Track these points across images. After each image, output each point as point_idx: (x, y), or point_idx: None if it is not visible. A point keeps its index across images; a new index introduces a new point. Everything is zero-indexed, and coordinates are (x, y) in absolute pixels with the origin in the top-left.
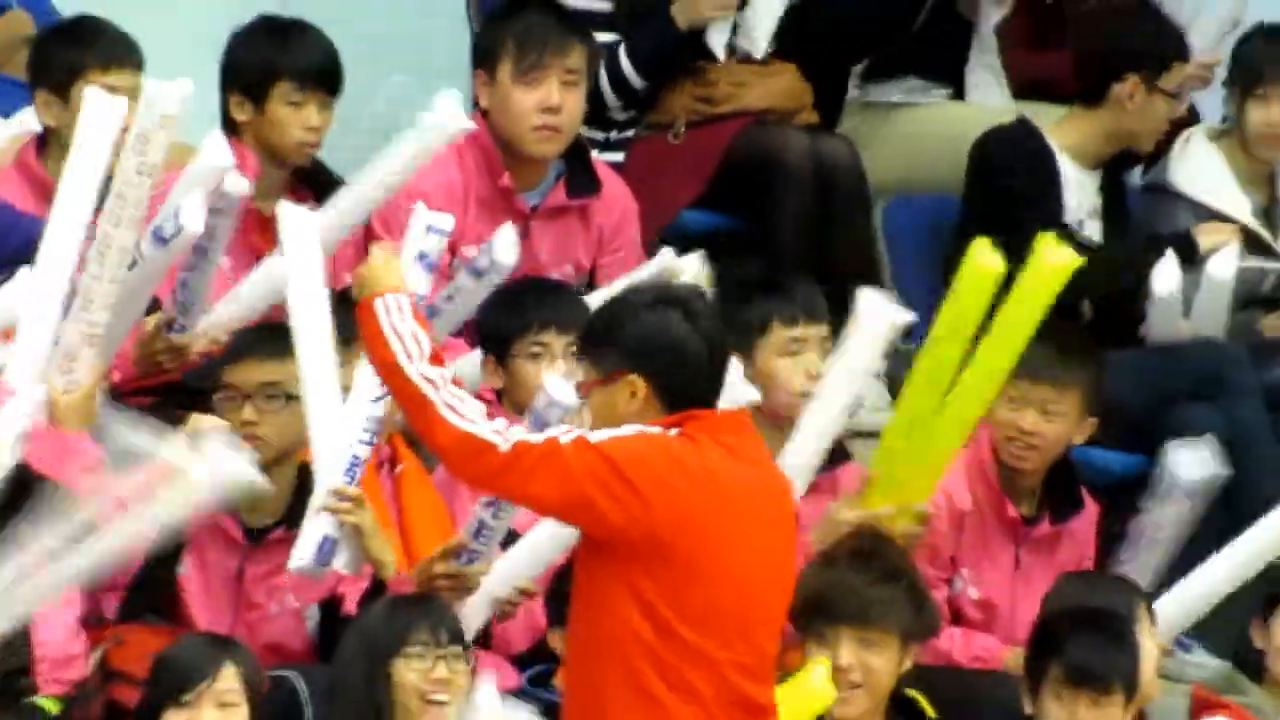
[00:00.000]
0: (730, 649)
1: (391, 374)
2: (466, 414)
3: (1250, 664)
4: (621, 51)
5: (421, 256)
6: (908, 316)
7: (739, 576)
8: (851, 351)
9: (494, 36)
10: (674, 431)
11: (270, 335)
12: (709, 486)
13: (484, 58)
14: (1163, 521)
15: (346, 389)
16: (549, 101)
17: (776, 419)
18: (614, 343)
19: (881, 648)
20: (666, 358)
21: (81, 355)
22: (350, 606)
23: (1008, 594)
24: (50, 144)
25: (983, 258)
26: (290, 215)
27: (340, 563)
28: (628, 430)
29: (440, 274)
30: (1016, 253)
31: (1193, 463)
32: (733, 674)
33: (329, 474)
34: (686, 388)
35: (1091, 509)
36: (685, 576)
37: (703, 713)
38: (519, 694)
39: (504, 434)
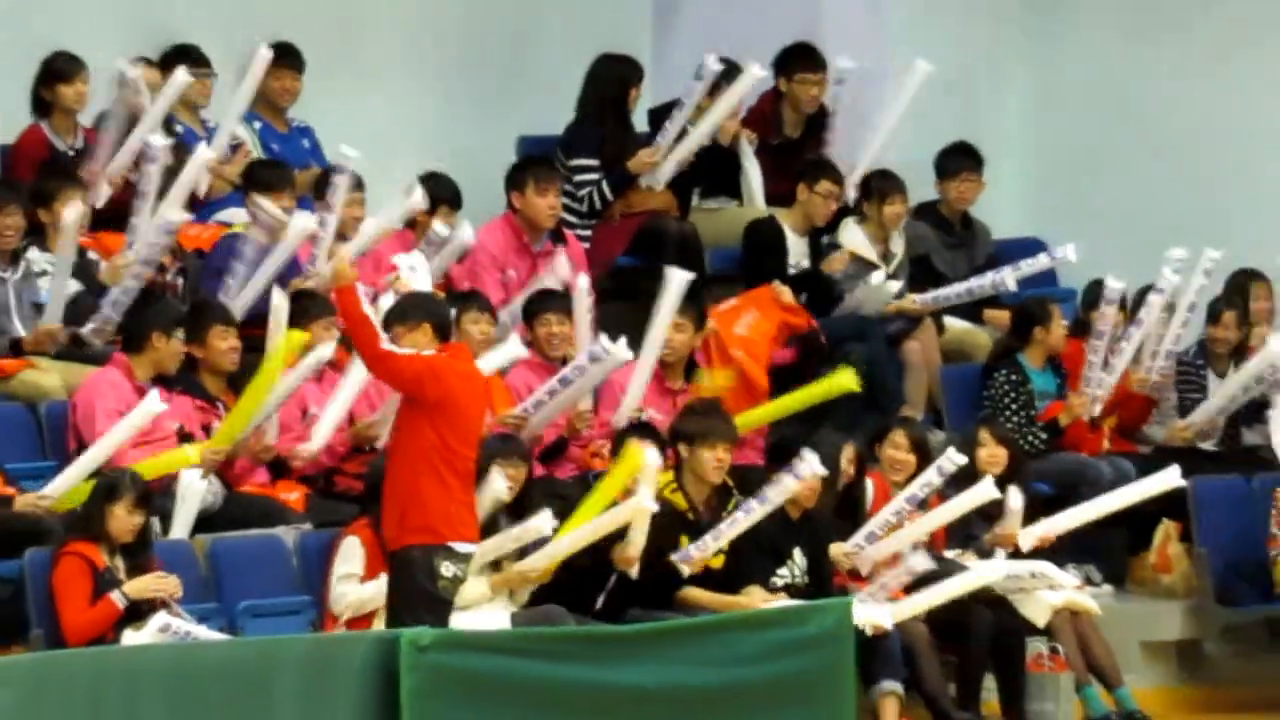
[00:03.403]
0: (468, 450)
1: (361, 320)
2: (376, 337)
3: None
4: (604, 184)
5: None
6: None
7: (470, 417)
8: (665, 303)
9: (522, 174)
10: (442, 352)
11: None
12: (459, 375)
13: (516, 185)
14: None
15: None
16: (553, 203)
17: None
18: (420, 314)
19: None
20: (435, 319)
21: None
22: None
23: None
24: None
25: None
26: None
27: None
28: (428, 351)
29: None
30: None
31: None
32: (469, 462)
33: None
34: (444, 334)
35: None
36: (451, 417)
37: (457, 478)
38: None
39: (386, 349)
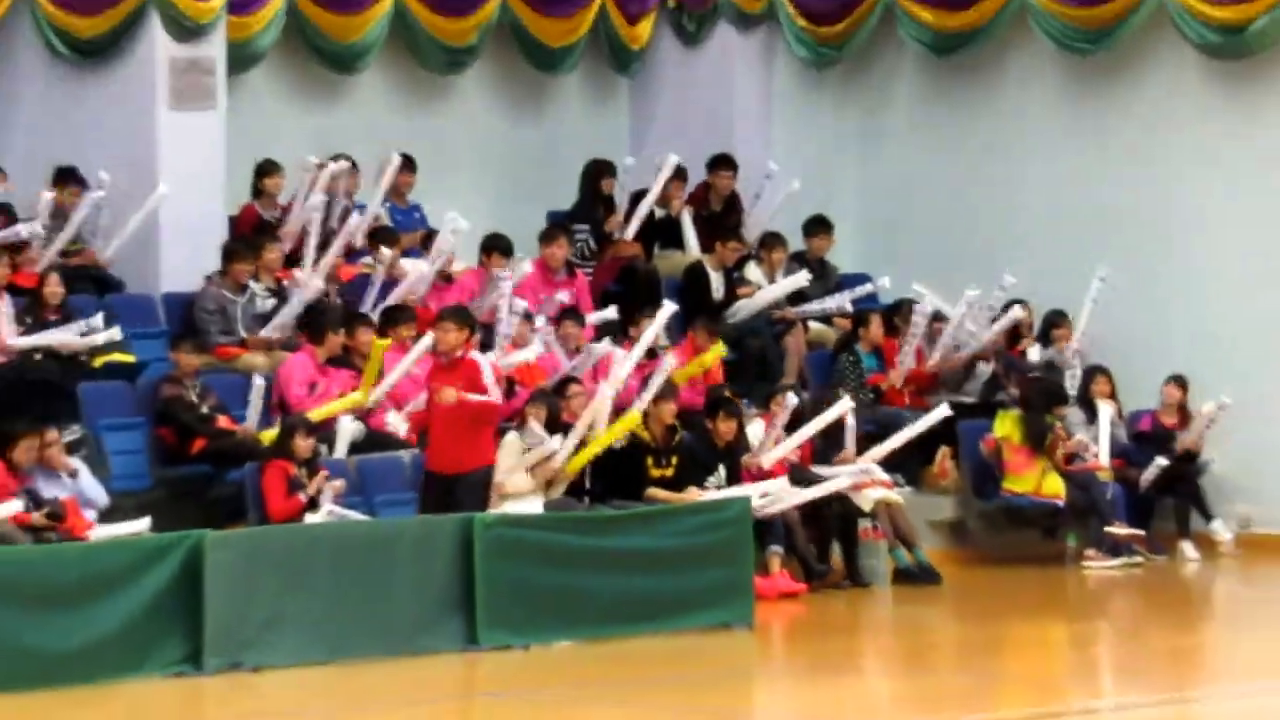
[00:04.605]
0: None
1: (477, 407)
2: (493, 409)
3: None
4: (591, 240)
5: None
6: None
7: None
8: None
9: (543, 234)
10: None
11: None
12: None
13: (540, 240)
14: None
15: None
16: (553, 251)
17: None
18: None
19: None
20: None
21: None
22: None
23: None
24: None
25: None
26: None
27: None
28: (477, 355)
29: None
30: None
31: None
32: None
33: None
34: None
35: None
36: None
37: (491, 425)
38: None
39: (496, 402)
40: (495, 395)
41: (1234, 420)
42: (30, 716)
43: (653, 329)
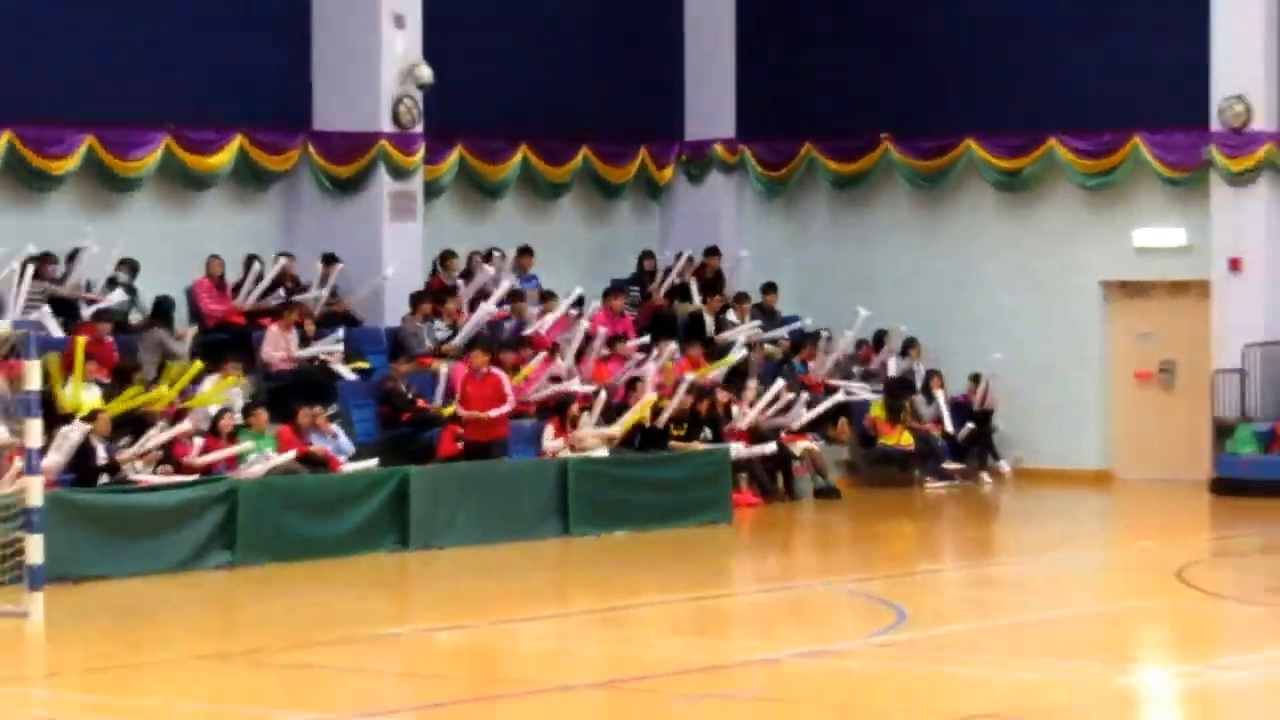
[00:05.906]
0: None
1: (493, 421)
2: (505, 417)
3: None
4: (639, 297)
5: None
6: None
7: None
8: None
9: (606, 291)
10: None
11: None
12: None
13: (605, 297)
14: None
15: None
16: (614, 303)
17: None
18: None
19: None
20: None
21: None
22: None
23: None
24: None
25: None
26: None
27: None
28: (497, 370)
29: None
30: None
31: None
32: None
33: None
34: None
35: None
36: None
37: None
38: None
39: (509, 402)
40: (510, 399)
41: (1009, 398)
42: (305, 577)
43: (666, 353)
